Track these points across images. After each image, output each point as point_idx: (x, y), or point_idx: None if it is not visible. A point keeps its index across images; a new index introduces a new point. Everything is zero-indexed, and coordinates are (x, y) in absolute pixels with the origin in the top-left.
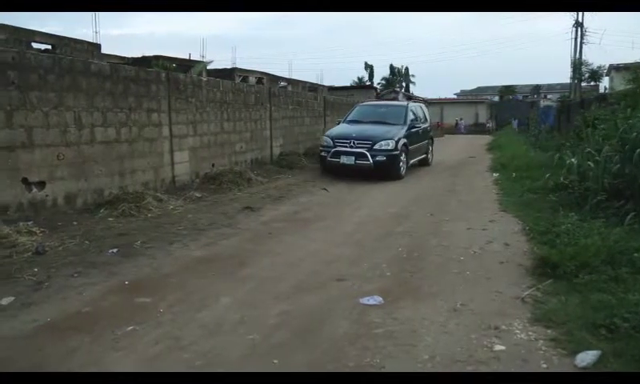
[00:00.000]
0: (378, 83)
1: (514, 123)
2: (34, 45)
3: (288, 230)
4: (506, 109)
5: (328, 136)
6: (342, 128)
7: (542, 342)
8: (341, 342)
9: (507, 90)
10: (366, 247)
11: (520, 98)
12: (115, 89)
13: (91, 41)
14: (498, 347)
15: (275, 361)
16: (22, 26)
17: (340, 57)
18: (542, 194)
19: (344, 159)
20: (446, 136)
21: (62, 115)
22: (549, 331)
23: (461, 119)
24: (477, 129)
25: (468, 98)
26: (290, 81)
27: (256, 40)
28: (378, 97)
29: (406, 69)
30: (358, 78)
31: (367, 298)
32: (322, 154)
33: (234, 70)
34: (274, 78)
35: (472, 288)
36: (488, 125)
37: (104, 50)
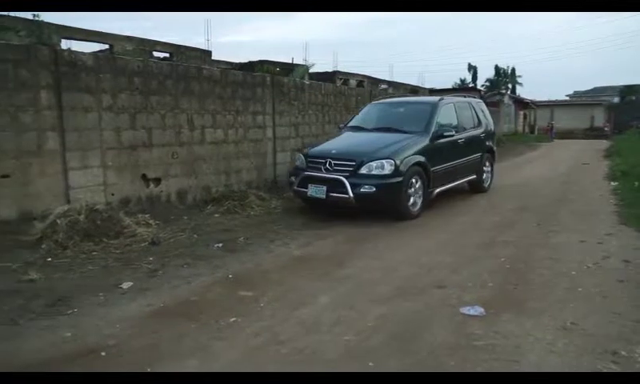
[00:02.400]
0: (482, 85)
1: None
2: (155, 53)
3: (385, 233)
4: (627, 111)
5: (303, 153)
6: (326, 141)
7: None
8: (439, 350)
9: (629, 89)
10: (466, 255)
11: None
12: (224, 92)
13: (203, 48)
14: None
15: (371, 364)
16: (146, 37)
17: (442, 58)
18: None
19: (312, 190)
20: (556, 141)
21: (177, 117)
22: None
23: (552, 122)
24: (592, 133)
25: (582, 100)
26: (390, 83)
27: (357, 43)
28: (483, 100)
29: (513, 69)
30: (461, 80)
31: (468, 307)
32: (292, 178)
33: (335, 73)
34: (375, 81)
35: (585, 306)
36: (606, 129)
37: (214, 57)
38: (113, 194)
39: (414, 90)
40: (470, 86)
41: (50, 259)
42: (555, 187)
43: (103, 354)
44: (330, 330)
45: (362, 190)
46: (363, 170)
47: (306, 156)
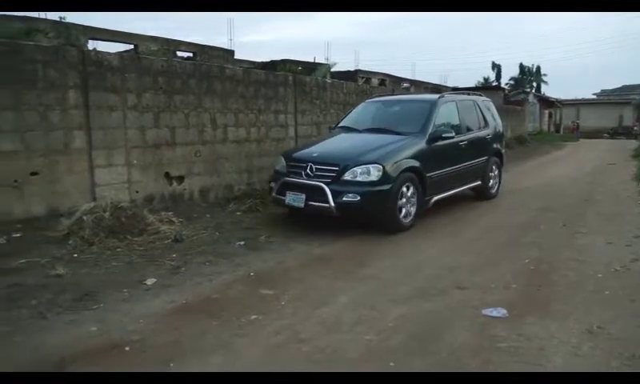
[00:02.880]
0: (506, 84)
1: None
2: (179, 53)
3: (408, 233)
4: None
5: (284, 155)
6: (313, 143)
7: None
8: (460, 352)
9: None
10: (489, 256)
11: None
12: (246, 92)
13: (226, 48)
14: None
15: (392, 364)
16: (170, 37)
17: (465, 56)
18: None
19: (290, 198)
20: (582, 141)
21: (200, 116)
22: None
23: (577, 121)
24: (621, 133)
25: (610, 99)
26: (412, 82)
27: (379, 42)
28: (506, 99)
29: (538, 67)
30: (484, 79)
31: (490, 309)
32: (271, 184)
33: (356, 71)
34: (397, 80)
35: (611, 310)
36: (635, 128)
37: (236, 56)
38: (137, 192)
39: (437, 89)
40: (494, 84)
41: (76, 255)
42: (581, 187)
43: (127, 348)
44: (351, 330)
45: (344, 198)
46: (347, 176)
47: (287, 159)
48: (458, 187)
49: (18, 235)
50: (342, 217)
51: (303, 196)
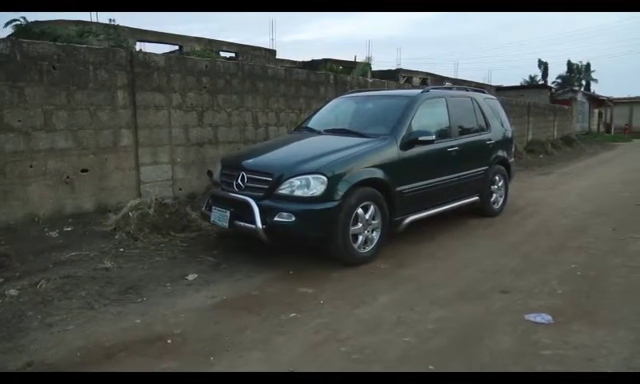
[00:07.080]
0: (553, 82)
1: None
2: (222, 53)
3: (449, 234)
4: None
5: (222, 160)
6: (261, 145)
7: None
8: (502, 357)
9: None
10: (533, 260)
11: None
12: (288, 91)
13: (268, 47)
14: None
15: (431, 367)
16: (213, 38)
17: (510, 55)
18: None
19: (215, 215)
20: (635, 141)
21: (242, 115)
22: None
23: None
24: None
25: None
26: (455, 81)
27: (423, 40)
28: (554, 98)
29: (587, 65)
30: (530, 77)
31: (534, 314)
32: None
33: (398, 70)
34: (439, 79)
35: None
36: None
37: (278, 56)
38: (180, 189)
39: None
40: (540, 83)
41: (122, 249)
42: (636, 190)
43: (169, 341)
44: (390, 330)
45: (276, 218)
46: (283, 190)
47: (223, 166)
48: (447, 204)
49: (70, 229)
50: (275, 243)
51: (228, 213)
